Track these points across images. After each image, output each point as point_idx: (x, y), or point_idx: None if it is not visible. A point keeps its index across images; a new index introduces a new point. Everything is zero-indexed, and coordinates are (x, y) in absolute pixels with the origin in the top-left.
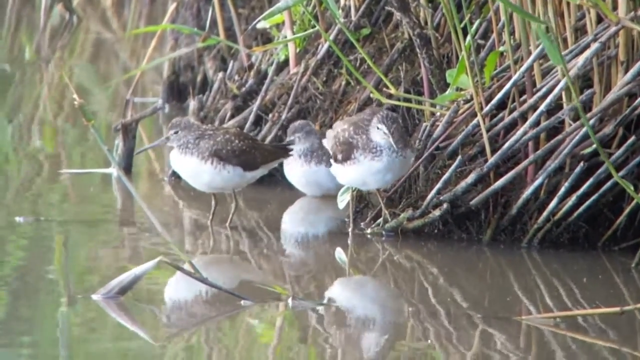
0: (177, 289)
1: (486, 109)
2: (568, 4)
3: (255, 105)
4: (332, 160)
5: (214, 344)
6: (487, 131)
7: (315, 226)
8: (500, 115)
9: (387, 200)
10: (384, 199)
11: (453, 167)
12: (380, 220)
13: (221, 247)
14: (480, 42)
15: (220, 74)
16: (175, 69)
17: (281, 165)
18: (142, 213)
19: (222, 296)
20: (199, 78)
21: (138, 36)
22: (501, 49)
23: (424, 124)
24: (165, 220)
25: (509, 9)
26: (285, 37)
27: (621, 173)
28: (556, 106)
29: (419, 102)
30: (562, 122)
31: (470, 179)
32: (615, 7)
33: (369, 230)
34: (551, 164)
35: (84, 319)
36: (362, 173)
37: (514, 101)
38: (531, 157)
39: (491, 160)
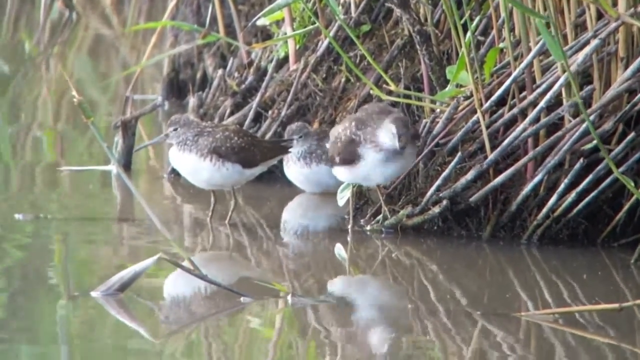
0: (177, 286)
1: (486, 105)
2: (568, 0)
3: (254, 102)
4: (331, 164)
5: (213, 340)
6: (487, 128)
7: (314, 223)
8: (500, 111)
9: (386, 197)
10: (383, 195)
11: (453, 163)
12: (380, 217)
13: (221, 244)
14: (480, 38)
15: (220, 71)
16: (175, 66)
17: (281, 162)
18: (142, 210)
19: (222, 293)
20: (198, 75)
21: (138, 33)
22: (501, 45)
23: (424, 121)
24: (165, 217)
25: (509, 5)
26: (285, 33)
27: (621, 169)
28: (556, 103)
29: (419, 99)
30: (562, 118)
31: (470, 175)
32: (615, 4)
33: (368, 227)
34: (551, 161)
35: (84, 316)
36: (367, 167)
37: (513, 98)
38: (531, 153)
39: (491, 156)
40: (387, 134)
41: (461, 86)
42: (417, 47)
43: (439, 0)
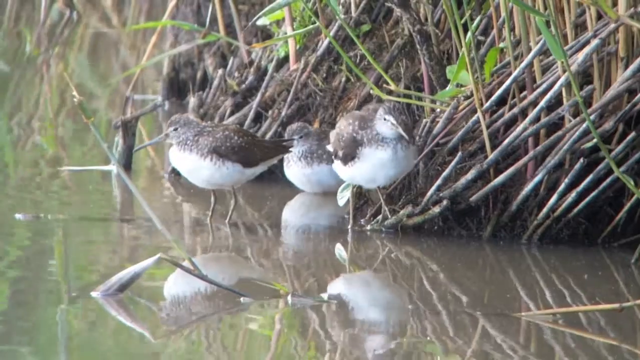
0: (177, 286)
1: (486, 105)
2: (568, 0)
3: (255, 102)
4: (333, 158)
5: (213, 341)
6: (487, 127)
7: (314, 223)
8: (501, 111)
9: (387, 197)
10: (383, 195)
11: (453, 163)
12: (380, 216)
13: (221, 244)
14: (481, 38)
15: (220, 71)
16: (175, 66)
17: (281, 162)
18: (142, 210)
19: (222, 293)
20: (198, 75)
21: (138, 32)
22: (501, 45)
23: (424, 120)
24: (165, 217)
25: (509, 5)
26: (285, 33)
27: (621, 169)
28: (556, 102)
29: (419, 99)
30: (562, 118)
31: (470, 175)
32: (615, 4)
33: (368, 227)
34: (551, 160)
35: (84, 317)
36: (367, 167)
37: (514, 97)
38: (531, 153)
39: (491, 156)
40: (385, 125)
41: (461, 86)
42: (418, 46)
43: (439, 0)
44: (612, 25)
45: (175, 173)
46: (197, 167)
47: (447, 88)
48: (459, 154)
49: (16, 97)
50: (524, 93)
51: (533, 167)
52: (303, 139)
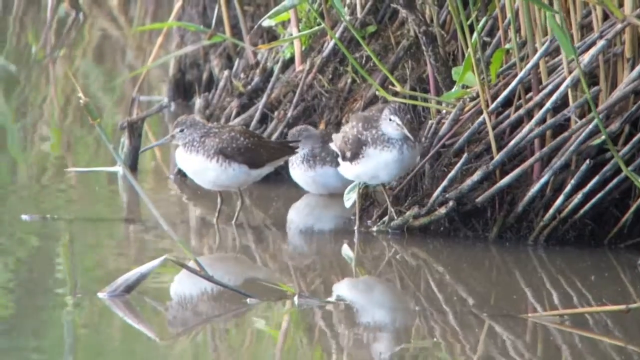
0: (183, 287)
1: (492, 106)
2: (574, 0)
3: (261, 103)
4: (340, 160)
5: (219, 342)
6: (493, 129)
7: (321, 224)
8: (506, 112)
9: (393, 198)
10: (390, 197)
11: (459, 164)
12: (386, 218)
13: (227, 244)
14: (486, 39)
15: (226, 72)
16: (181, 67)
17: (287, 163)
18: (148, 211)
19: (228, 294)
20: (204, 76)
21: (144, 33)
22: (507, 46)
23: (430, 122)
24: (171, 218)
25: (515, 6)
26: (291, 34)
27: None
28: (562, 104)
29: (425, 100)
30: (568, 119)
31: (476, 176)
32: (621, 4)
33: (375, 228)
34: (557, 162)
35: (90, 317)
36: (372, 166)
37: (520, 99)
38: (537, 154)
39: (497, 157)
40: (390, 125)
41: (467, 87)
42: (423, 48)
43: (445, 1)
44: (619, 26)
45: (181, 174)
46: (204, 168)
47: (453, 89)
48: (465, 155)
49: (23, 98)
50: (530, 94)
51: (539, 168)
52: (304, 141)
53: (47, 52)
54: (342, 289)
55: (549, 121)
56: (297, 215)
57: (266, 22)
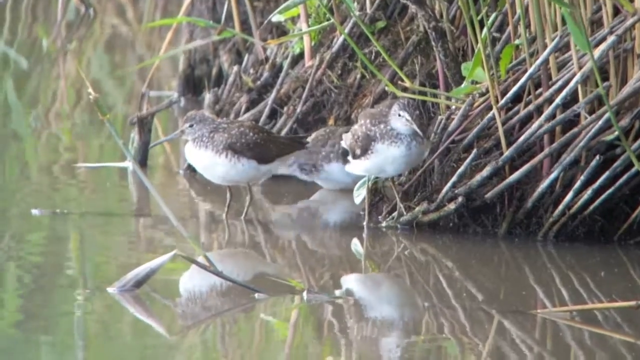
0: (192, 282)
1: (502, 102)
2: None
3: (270, 99)
4: (349, 158)
5: (228, 337)
6: (503, 124)
7: (330, 219)
8: (516, 108)
9: (402, 194)
10: (399, 192)
11: (468, 160)
12: (396, 213)
13: (236, 240)
14: (496, 35)
15: (236, 67)
16: (191, 62)
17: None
18: (158, 206)
19: (237, 289)
20: (214, 71)
21: (154, 29)
22: (517, 42)
23: (440, 117)
24: (181, 213)
25: (524, 1)
26: (301, 30)
27: (637, 167)
28: (572, 99)
29: (435, 96)
30: (578, 115)
31: (486, 172)
32: None
33: (384, 224)
34: (567, 157)
35: (100, 312)
36: (379, 161)
37: (529, 94)
38: (547, 150)
39: (506, 153)
40: (399, 121)
41: (477, 83)
42: (433, 43)
43: None
44: (629, 22)
45: (190, 169)
46: (213, 164)
47: (463, 85)
48: (474, 151)
49: (34, 93)
50: (540, 90)
51: (549, 164)
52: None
53: (57, 47)
54: (351, 284)
55: (559, 117)
56: (307, 210)
57: (276, 18)
